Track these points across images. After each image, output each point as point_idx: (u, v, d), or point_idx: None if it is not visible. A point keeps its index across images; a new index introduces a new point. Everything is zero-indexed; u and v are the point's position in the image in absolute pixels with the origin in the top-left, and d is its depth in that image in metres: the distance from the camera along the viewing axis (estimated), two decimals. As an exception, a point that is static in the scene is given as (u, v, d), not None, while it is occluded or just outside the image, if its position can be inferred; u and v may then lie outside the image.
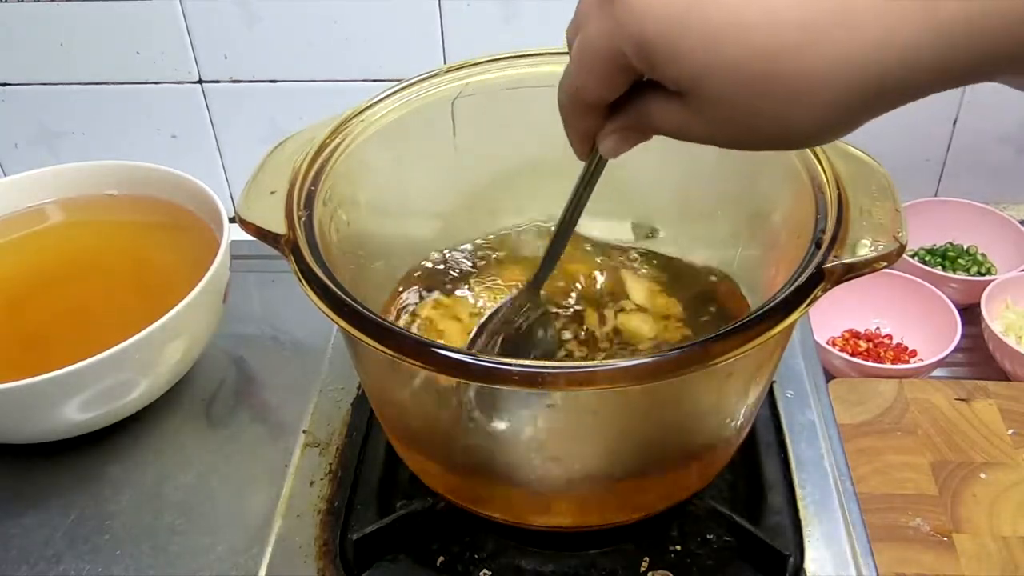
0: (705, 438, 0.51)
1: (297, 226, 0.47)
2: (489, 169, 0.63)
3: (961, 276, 1.02)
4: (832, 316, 0.99)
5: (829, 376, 0.89)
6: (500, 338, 0.53)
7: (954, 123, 1.06)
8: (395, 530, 0.54)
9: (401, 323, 0.59)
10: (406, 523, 0.55)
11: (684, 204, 0.64)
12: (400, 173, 0.61)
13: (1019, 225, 1.05)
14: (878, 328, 1.00)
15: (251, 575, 0.54)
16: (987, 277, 1.02)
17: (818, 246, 0.44)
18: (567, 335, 0.58)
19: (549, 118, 0.62)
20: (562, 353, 0.57)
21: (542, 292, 0.54)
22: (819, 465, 0.59)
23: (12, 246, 0.71)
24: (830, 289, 0.43)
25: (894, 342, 0.98)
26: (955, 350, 0.91)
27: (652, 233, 0.65)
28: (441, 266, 0.64)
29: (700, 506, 0.55)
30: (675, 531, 0.55)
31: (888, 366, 0.93)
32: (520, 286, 0.62)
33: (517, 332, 0.54)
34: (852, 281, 0.44)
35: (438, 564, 0.54)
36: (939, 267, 1.04)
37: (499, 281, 0.63)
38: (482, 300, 0.61)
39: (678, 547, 0.55)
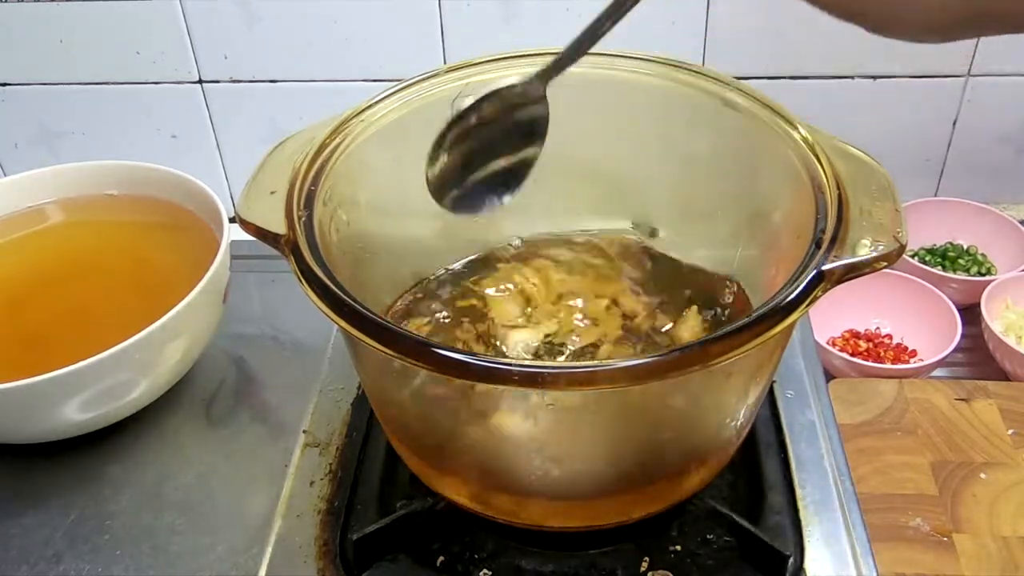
0: (705, 438, 0.51)
1: (297, 226, 0.47)
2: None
3: (961, 276, 1.02)
4: (832, 316, 0.99)
5: (829, 376, 0.89)
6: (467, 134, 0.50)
7: (954, 123, 1.06)
8: (395, 530, 0.54)
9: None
10: (406, 523, 0.55)
11: (684, 204, 0.64)
12: (400, 173, 0.61)
13: (1019, 225, 1.05)
14: (878, 328, 1.00)
15: (251, 575, 0.54)
16: (987, 277, 1.02)
17: (818, 246, 0.44)
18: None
19: (549, 118, 0.63)
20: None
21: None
22: (819, 465, 0.59)
23: (12, 246, 0.71)
24: (830, 289, 0.43)
25: (894, 342, 0.98)
26: (955, 350, 0.91)
27: (652, 233, 0.65)
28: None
29: (700, 506, 0.55)
30: (675, 531, 0.55)
31: (888, 366, 0.93)
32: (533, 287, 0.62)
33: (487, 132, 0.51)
34: (852, 281, 0.44)
35: (438, 564, 0.54)
36: (939, 267, 1.04)
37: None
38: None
39: (678, 547, 0.55)
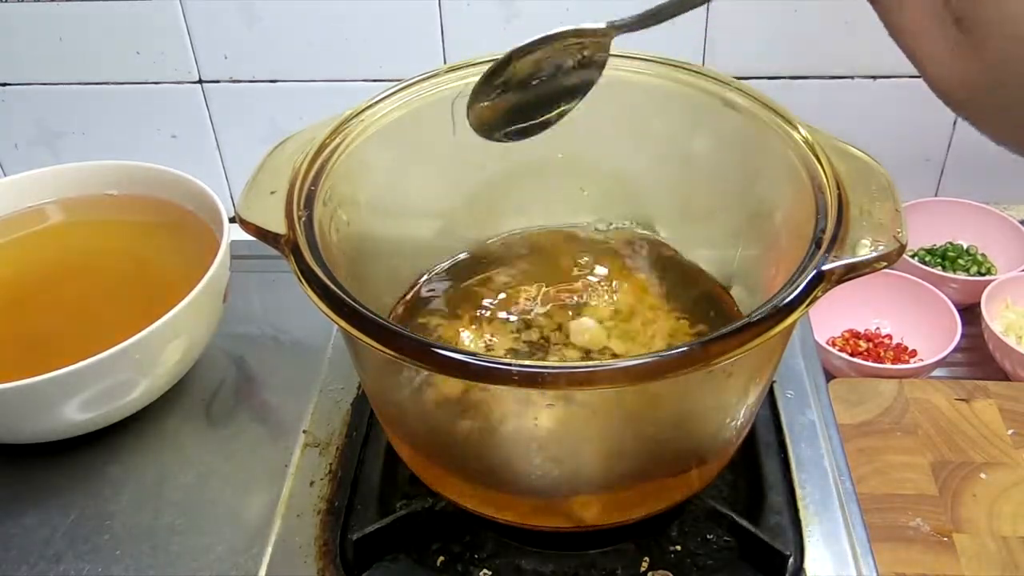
0: (705, 438, 0.51)
1: (297, 226, 0.47)
2: (489, 169, 0.63)
3: (961, 276, 1.02)
4: (832, 316, 0.99)
5: (829, 376, 0.89)
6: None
7: (954, 123, 1.07)
8: (395, 530, 0.54)
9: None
10: (406, 523, 0.55)
11: (684, 204, 0.64)
12: (400, 173, 0.61)
13: (1019, 225, 1.05)
14: (878, 328, 1.00)
15: (251, 575, 0.54)
16: (987, 277, 1.02)
17: (818, 246, 0.44)
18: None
19: (549, 118, 0.62)
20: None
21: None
22: (819, 465, 0.59)
23: (12, 246, 0.71)
24: (830, 289, 0.43)
25: (894, 342, 0.98)
26: (955, 350, 0.91)
27: (652, 233, 0.65)
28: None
29: (700, 506, 0.55)
30: (675, 531, 0.55)
31: (888, 366, 0.93)
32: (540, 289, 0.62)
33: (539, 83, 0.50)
34: (852, 281, 0.44)
35: (438, 564, 0.54)
36: (939, 267, 1.04)
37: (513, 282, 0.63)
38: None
39: (678, 547, 0.55)
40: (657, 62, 0.58)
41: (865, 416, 0.83)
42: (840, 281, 0.44)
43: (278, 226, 0.48)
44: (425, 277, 0.64)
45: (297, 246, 0.46)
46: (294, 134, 0.55)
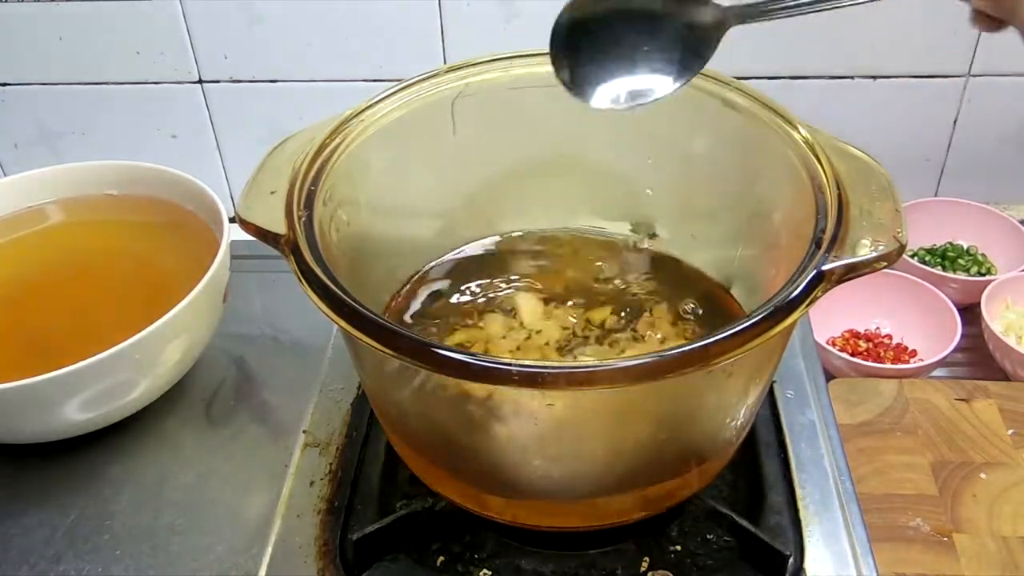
0: (705, 438, 0.51)
1: (297, 226, 0.47)
2: (489, 169, 0.63)
3: (961, 276, 1.02)
4: (832, 316, 0.99)
5: (829, 376, 0.89)
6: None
7: (954, 123, 1.06)
8: (395, 530, 0.54)
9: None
10: (406, 523, 0.55)
11: (684, 204, 0.64)
12: (400, 173, 0.61)
13: (1019, 225, 1.05)
14: (878, 328, 1.00)
15: (251, 575, 0.54)
16: (987, 277, 1.02)
17: (818, 246, 0.44)
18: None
19: (549, 118, 0.63)
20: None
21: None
22: (819, 465, 0.59)
23: (12, 246, 0.71)
24: (830, 289, 0.43)
25: (894, 342, 0.98)
26: (955, 350, 0.91)
27: (652, 234, 0.65)
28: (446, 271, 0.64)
29: (700, 506, 0.55)
30: (675, 531, 0.55)
31: (888, 366, 0.93)
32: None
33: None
34: (852, 281, 0.44)
35: (438, 564, 0.54)
36: (939, 267, 1.04)
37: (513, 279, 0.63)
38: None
39: (678, 547, 0.55)
40: (657, 62, 0.58)
41: (865, 416, 0.83)
42: (840, 281, 0.44)
43: (278, 226, 0.48)
44: (424, 271, 0.64)
45: (297, 246, 0.46)
46: (294, 134, 0.55)
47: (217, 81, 1.06)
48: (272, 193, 0.50)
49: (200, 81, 1.06)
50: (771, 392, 0.63)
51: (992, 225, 1.07)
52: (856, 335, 0.99)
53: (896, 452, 0.80)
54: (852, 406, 0.84)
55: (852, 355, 0.93)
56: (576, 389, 0.41)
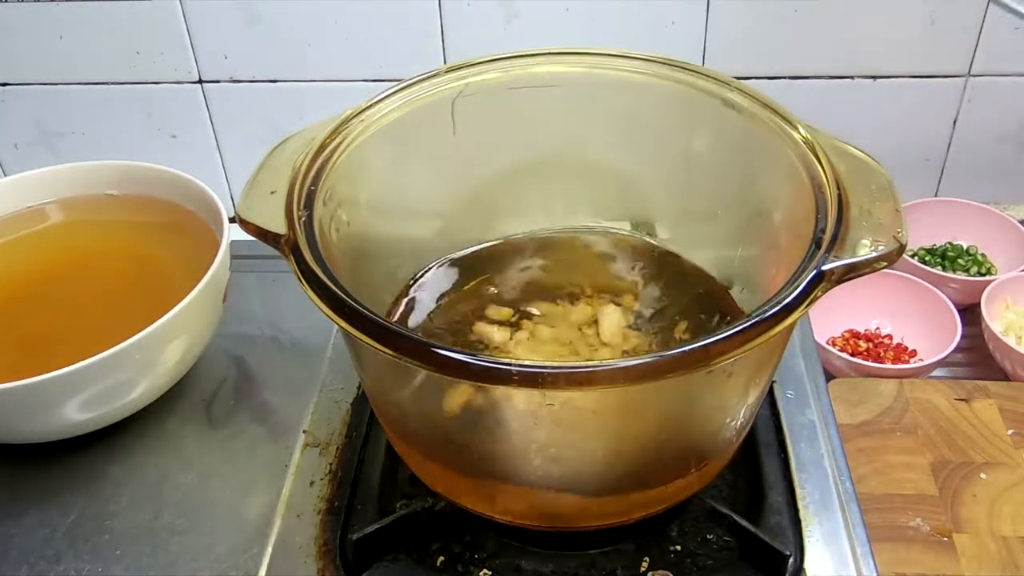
0: (705, 438, 0.51)
1: (297, 226, 0.47)
2: (489, 169, 0.63)
3: (961, 276, 1.02)
4: (832, 316, 0.99)
5: (829, 376, 0.89)
6: None
7: (954, 123, 1.07)
8: (395, 530, 0.54)
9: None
10: (406, 523, 0.55)
11: (684, 204, 0.64)
12: (400, 173, 0.61)
13: (1019, 225, 1.05)
14: (878, 328, 1.00)
15: (251, 575, 0.54)
16: (987, 277, 1.02)
17: (818, 246, 0.44)
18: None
19: (549, 118, 0.63)
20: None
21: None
22: (819, 465, 0.59)
23: (12, 246, 0.71)
24: (830, 289, 0.43)
25: (894, 342, 0.98)
26: (955, 350, 0.91)
27: (652, 233, 0.65)
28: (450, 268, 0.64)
29: (700, 506, 0.55)
30: (675, 531, 0.55)
31: (888, 366, 0.93)
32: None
33: None
34: (852, 281, 0.44)
35: (438, 564, 0.54)
36: (939, 267, 1.04)
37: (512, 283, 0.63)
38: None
39: (678, 547, 0.55)
40: (657, 62, 0.58)
41: (865, 416, 0.83)
42: (840, 281, 0.44)
43: (278, 226, 0.48)
44: (424, 274, 0.64)
45: (297, 246, 0.46)
46: (294, 134, 0.55)
47: (217, 81, 1.06)
48: (272, 193, 0.50)
49: (200, 81, 1.06)
50: (771, 392, 0.63)
51: (992, 225, 1.07)
52: (856, 335, 0.99)
53: (896, 452, 0.80)
54: (852, 406, 0.84)
55: (852, 355, 0.93)
56: (576, 389, 0.41)
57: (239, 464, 0.61)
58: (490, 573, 0.54)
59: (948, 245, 1.07)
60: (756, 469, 0.58)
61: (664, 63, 0.58)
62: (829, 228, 0.45)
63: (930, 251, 1.07)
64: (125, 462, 0.62)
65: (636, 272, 0.63)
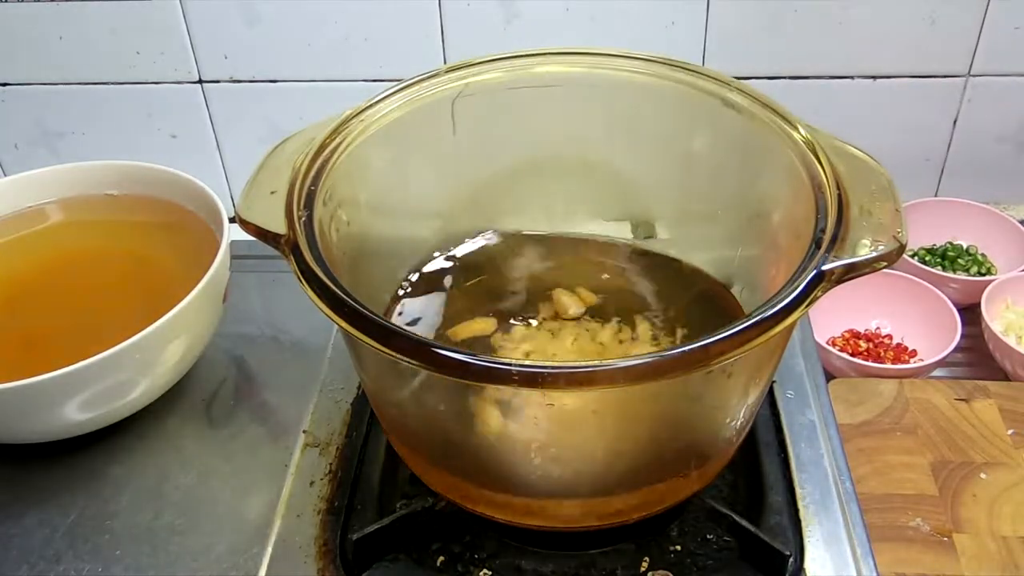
0: (705, 438, 0.51)
1: (297, 226, 0.47)
2: (489, 169, 0.63)
3: (961, 276, 1.02)
4: (832, 316, 0.99)
5: (829, 376, 0.89)
6: None
7: (954, 123, 1.06)
8: (395, 530, 0.54)
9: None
10: (406, 523, 0.55)
11: (684, 204, 0.64)
12: (400, 173, 0.61)
13: (1019, 225, 1.05)
14: (878, 328, 1.00)
15: (251, 575, 0.54)
16: (987, 277, 1.02)
17: (818, 246, 0.44)
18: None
19: (549, 118, 0.63)
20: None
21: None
22: (819, 465, 0.59)
23: (12, 246, 0.71)
24: (830, 289, 0.43)
25: (894, 342, 0.98)
26: (955, 350, 0.91)
27: (652, 233, 0.65)
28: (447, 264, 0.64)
29: (700, 506, 0.55)
30: (675, 531, 0.55)
31: (888, 366, 0.93)
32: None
33: None
34: (852, 281, 0.44)
35: (438, 564, 0.54)
36: (939, 267, 1.04)
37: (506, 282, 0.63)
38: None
39: (678, 547, 0.55)
40: (657, 62, 0.58)
41: (865, 416, 0.83)
42: (840, 281, 0.44)
43: (278, 226, 0.48)
44: (422, 272, 0.64)
45: (297, 246, 0.46)
46: (294, 134, 0.55)
47: (217, 81, 1.06)
48: (272, 193, 0.50)
49: (200, 81, 1.06)
50: (771, 392, 0.63)
51: (992, 225, 1.07)
52: (856, 335, 0.99)
53: (896, 452, 0.79)
54: (852, 406, 0.84)
55: (852, 355, 0.93)
56: (576, 389, 0.41)
57: (239, 464, 0.61)
58: (490, 573, 0.54)
59: (948, 245, 1.07)
60: (756, 469, 0.58)
61: (664, 63, 0.58)
62: (829, 228, 0.45)
63: (930, 251, 1.07)
64: (125, 462, 0.62)
65: (635, 272, 0.63)
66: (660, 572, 0.53)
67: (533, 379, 0.39)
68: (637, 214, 0.65)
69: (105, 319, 0.65)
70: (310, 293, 0.44)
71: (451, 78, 0.58)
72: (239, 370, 0.69)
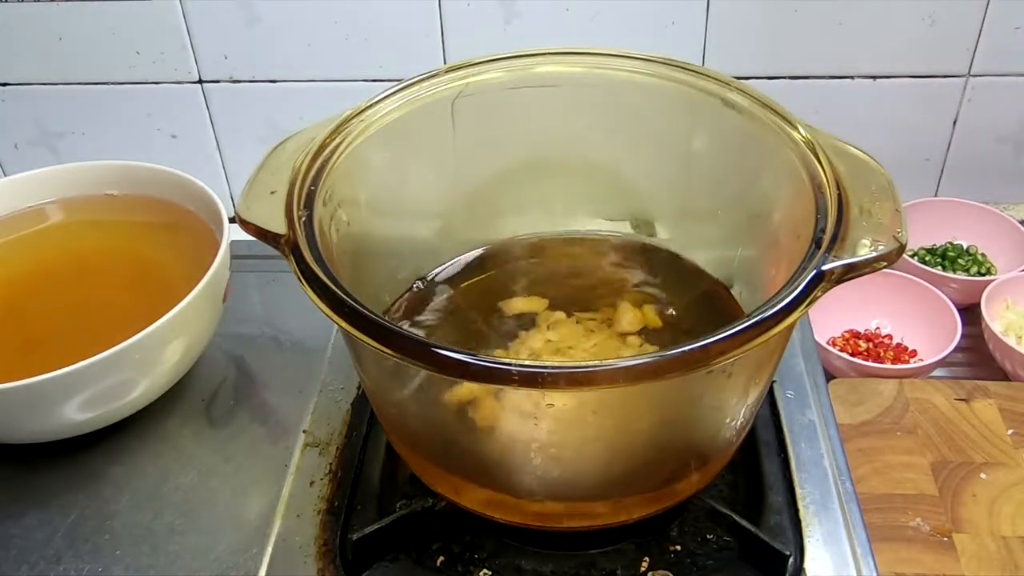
0: (705, 438, 0.51)
1: (297, 226, 0.47)
2: (489, 169, 0.63)
3: (961, 276, 1.02)
4: (832, 316, 0.99)
5: (829, 376, 0.89)
6: None
7: (954, 123, 1.06)
8: (395, 530, 0.54)
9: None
10: (406, 523, 0.55)
11: (684, 204, 0.64)
12: (400, 173, 0.61)
13: (1019, 225, 1.05)
14: (878, 328, 1.00)
15: (251, 575, 0.54)
16: (987, 277, 1.02)
17: (818, 246, 0.44)
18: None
19: (549, 118, 0.63)
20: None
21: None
22: (819, 465, 0.59)
23: (12, 246, 0.71)
24: (830, 289, 0.43)
25: (894, 342, 0.98)
26: (955, 350, 0.91)
27: (652, 233, 0.65)
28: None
29: (700, 506, 0.55)
30: (675, 531, 0.55)
31: (888, 366, 0.93)
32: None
33: None
34: (852, 281, 0.44)
35: (438, 564, 0.54)
36: (939, 267, 1.04)
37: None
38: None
39: (678, 547, 0.55)
40: (657, 62, 0.58)
41: (865, 416, 0.83)
42: (840, 281, 0.44)
43: (278, 226, 0.48)
44: (423, 277, 0.64)
45: (297, 246, 0.46)
46: (294, 134, 0.55)
47: (217, 81, 1.06)
48: (272, 193, 0.50)
49: (200, 81, 1.06)
50: (771, 392, 0.63)
51: (992, 225, 1.07)
52: (856, 335, 0.99)
53: (896, 452, 0.79)
54: (852, 406, 0.84)
55: (852, 355, 0.93)
56: (576, 389, 0.41)
57: (239, 464, 0.61)
58: (490, 573, 0.54)
59: (948, 245, 1.07)
60: (756, 469, 0.58)
61: (664, 63, 0.58)
62: (829, 228, 0.45)
63: (930, 251, 1.07)
64: (125, 462, 0.62)
65: (635, 273, 0.63)
66: (660, 572, 0.53)
67: (533, 379, 0.39)
68: (637, 214, 0.65)
69: (105, 319, 0.65)
70: (310, 293, 0.44)
71: (451, 78, 0.58)
72: (239, 370, 0.69)
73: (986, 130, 1.07)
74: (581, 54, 0.59)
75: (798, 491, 0.57)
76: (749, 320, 0.41)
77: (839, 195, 0.47)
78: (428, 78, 0.58)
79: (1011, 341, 0.92)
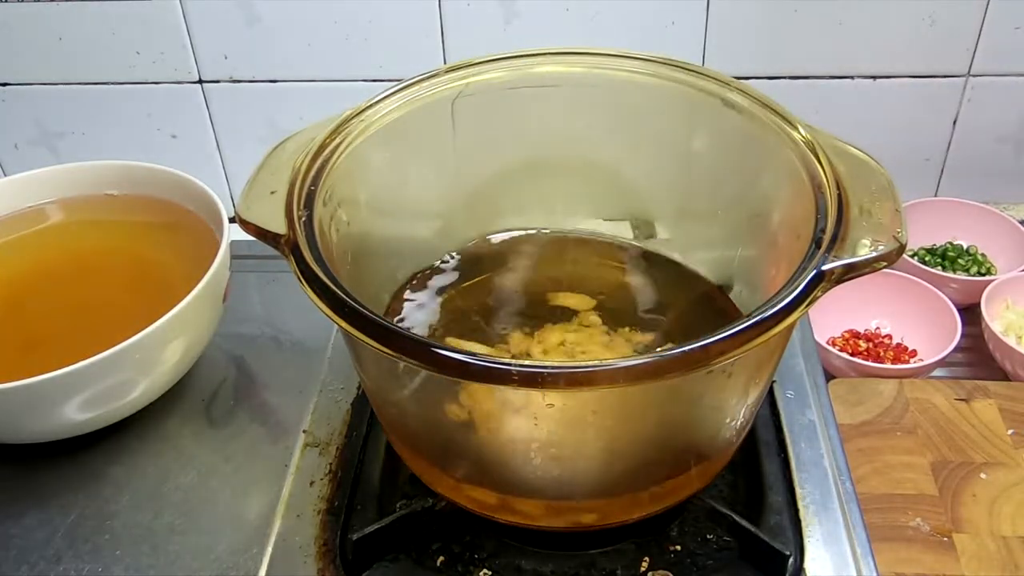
0: (705, 438, 0.51)
1: (297, 226, 0.47)
2: (489, 169, 0.63)
3: (961, 276, 1.02)
4: (832, 316, 0.99)
5: (829, 376, 0.89)
6: None
7: (954, 123, 1.06)
8: (395, 530, 0.54)
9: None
10: (406, 523, 0.55)
11: (684, 204, 0.64)
12: (400, 173, 0.61)
13: (1019, 225, 1.05)
14: (878, 328, 1.00)
15: (251, 575, 0.54)
16: (987, 277, 1.02)
17: (818, 246, 0.44)
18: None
19: (549, 118, 0.63)
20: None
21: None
22: (819, 465, 0.59)
23: (12, 246, 0.71)
24: (830, 289, 0.43)
25: (894, 342, 0.98)
26: (955, 350, 0.91)
27: (651, 233, 0.65)
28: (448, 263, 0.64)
29: (700, 506, 0.55)
30: (675, 531, 0.55)
31: (888, 366, 0.93)
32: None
33: None
34: (852, 281, 0.44)
35: (438, 564, 0.54)
36: (939, 267, 1.04)
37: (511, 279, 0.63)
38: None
39: (678, 547, 0.55)
40: (656, 62, 0.58)
41: (865, 416, 0.83)
42: (840, 281, 0.44)
43: (278, 226, 0.48)
44: (423, 273, 0.64)
45: (297, 246, 0.46)
46: (294, 134, 0.55)
47: (217, 81, 1.06)
48: (272, 193, 0.50)
49: (200, 81, 1.06)
50: (771, 392, 0.63)
51: (992, 225, 1.07)
52: (856, 335, 0.99)
53: (896, 452, 0.79)
54: (852, 406, 0.84)
55: (852, 355, 0.93)
56: (576, 389, 0.41)
57: (239, 464, 0.61)
58: (490, 573, 0.54)
59: (948, 245, 1.07)
60: (756, 469, 0.58)
61: (664, 63, 0.58)
62: (829, 228, 0.45)
63: (930, 251, 1.07)
64: (125, 462, 0.62)
65: (634, 273, 0.63)
66: (660, 572, 0.53)
67: (533, 379, 0.39)
68: (637, 214, 0.65)
69: (105, 319, 0.65)
70: (310, 293, 0.44)
71: (451, 78, 0.58)
72: (239, 370, 0.69)
73: (986, 130, 1.07)
74: (581, 54, 0.59)
75: (798, 491, 0.57)
76: (749, 320, 0.41)
77: (839, 195, 0.47)
78: (428, 78, 0.58)
79: (1011, 341, 0.92)
